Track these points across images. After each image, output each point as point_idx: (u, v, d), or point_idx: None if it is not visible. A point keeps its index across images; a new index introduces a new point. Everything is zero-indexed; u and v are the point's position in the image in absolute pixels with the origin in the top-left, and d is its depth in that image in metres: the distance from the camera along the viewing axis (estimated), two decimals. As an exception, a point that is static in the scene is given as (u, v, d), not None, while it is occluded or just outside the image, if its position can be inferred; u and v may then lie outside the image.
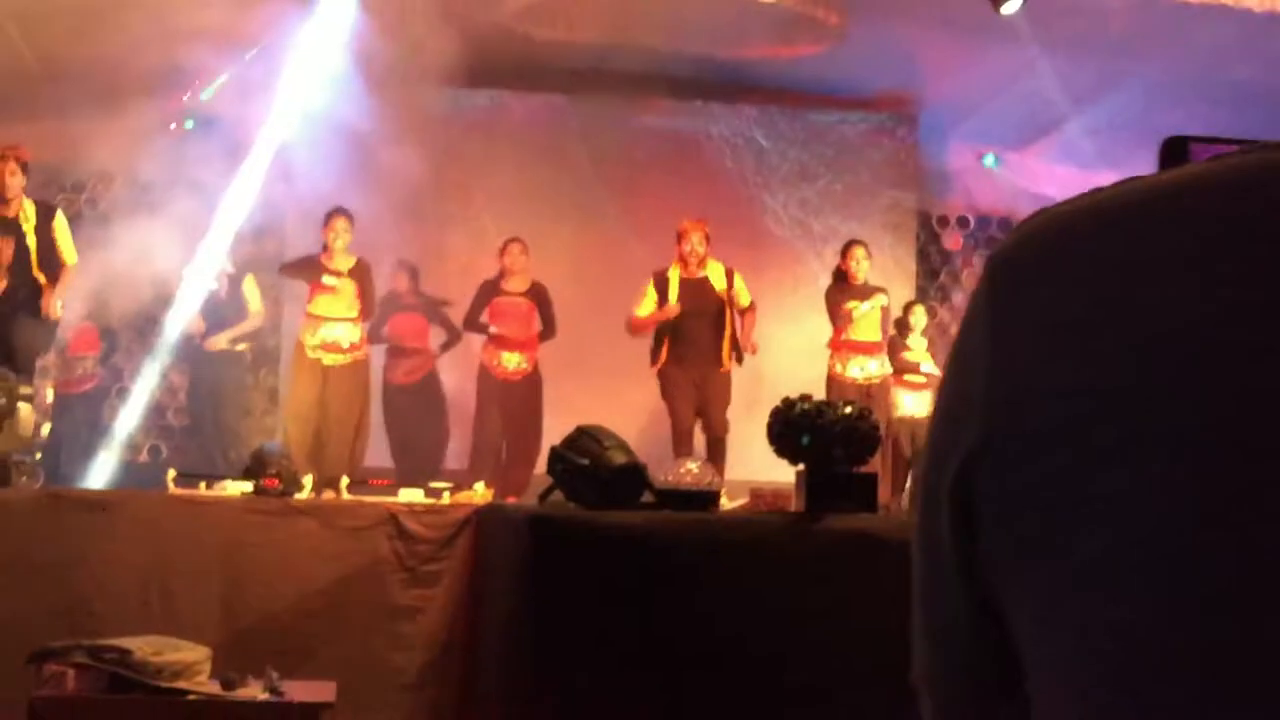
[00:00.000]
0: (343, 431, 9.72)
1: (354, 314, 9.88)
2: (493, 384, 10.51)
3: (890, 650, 4.65)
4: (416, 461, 10.38)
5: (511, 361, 10.49)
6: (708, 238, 9.89)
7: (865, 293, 10.56)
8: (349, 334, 9.85)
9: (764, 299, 10.69)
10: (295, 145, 11.21)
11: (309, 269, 9.98)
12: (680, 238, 9.90)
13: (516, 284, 10.62)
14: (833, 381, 10.44)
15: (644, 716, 5.31)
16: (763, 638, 5.40)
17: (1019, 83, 11.27)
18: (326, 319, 9.81)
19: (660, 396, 10.00)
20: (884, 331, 10.75)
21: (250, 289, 10.85)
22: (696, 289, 9.85)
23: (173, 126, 11.90)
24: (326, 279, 9.78)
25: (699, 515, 5.74)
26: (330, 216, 9.83)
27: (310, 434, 9.64)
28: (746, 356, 10.07)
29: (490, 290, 10.62)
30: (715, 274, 9.95)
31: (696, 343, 9.84)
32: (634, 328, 10.01)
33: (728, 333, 9.92)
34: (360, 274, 9.89)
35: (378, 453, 10.54)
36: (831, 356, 10.64)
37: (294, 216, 11.77)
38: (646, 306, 9.88)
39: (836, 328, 10.59)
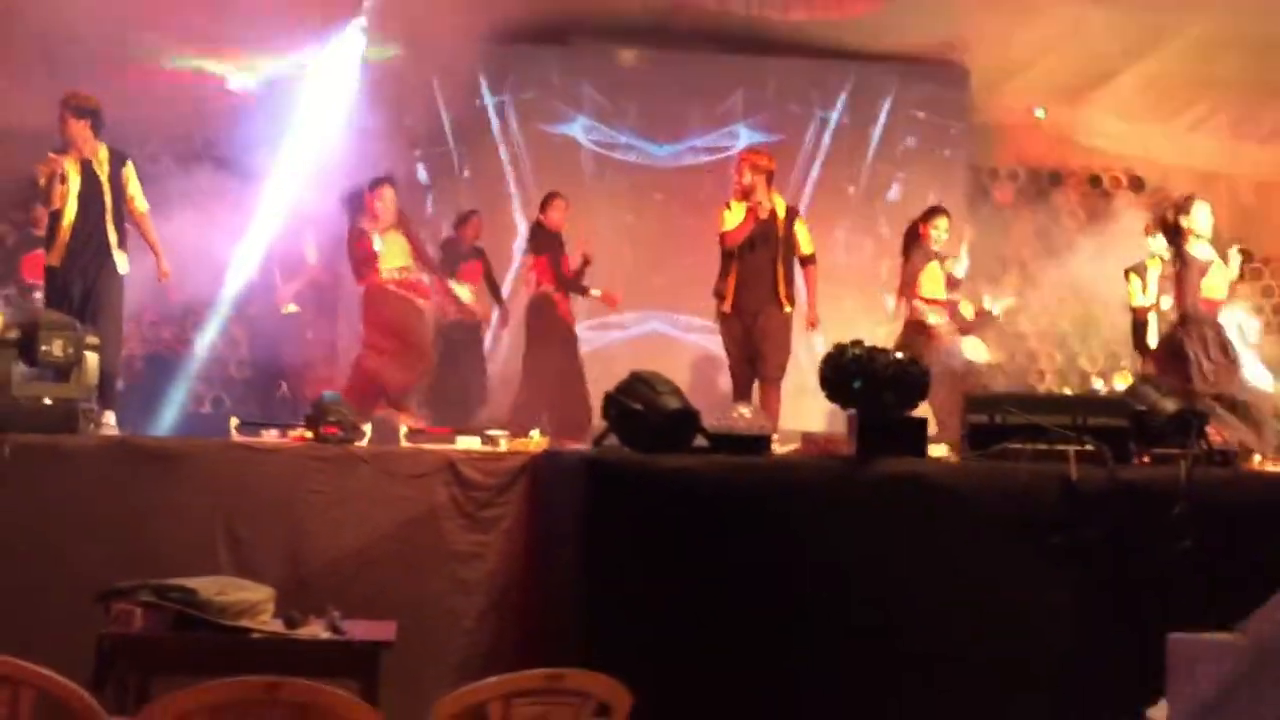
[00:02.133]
0: None
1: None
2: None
3: (941, 590, 4.78)
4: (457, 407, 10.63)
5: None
6: (769, 174, 9.84)
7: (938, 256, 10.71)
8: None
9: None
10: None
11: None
12: (737, 169, 9.91)
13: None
14: (909, 326, 10.60)
15: (702, 655, 5.42)
16: (816, 577, 5.50)
17: (1069, 36, 11.25)
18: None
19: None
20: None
21: (308, 244, 11.09)
22: (759, 228, 9.76)
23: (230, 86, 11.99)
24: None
25: (752, 459, 5.83)
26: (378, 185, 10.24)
27: None
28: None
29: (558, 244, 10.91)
30: (779, 207, 9.88)
31: (752, 282, 9.75)
32: (728, 241, 9.84)
33: (781, 274, 9.80)
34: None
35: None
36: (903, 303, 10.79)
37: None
38: (734, 219, 9.81)
39: (908, 285, 10.69)
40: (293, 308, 11.14)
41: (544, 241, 11.35)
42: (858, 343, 5.90)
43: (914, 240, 10.84)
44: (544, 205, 11.45)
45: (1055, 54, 11.96)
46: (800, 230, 9.95)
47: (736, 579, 5.47)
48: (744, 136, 13.23)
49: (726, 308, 9.80)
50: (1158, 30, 11.11)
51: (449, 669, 6.61)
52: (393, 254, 10.13)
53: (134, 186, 8.80)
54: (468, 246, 11.67)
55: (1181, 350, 8.87)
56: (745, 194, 9.73)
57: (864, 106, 13.50)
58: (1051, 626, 5.52)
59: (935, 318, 10.56)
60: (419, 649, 6.26)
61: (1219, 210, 9.71)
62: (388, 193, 10.18)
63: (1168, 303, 9.47)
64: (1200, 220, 9.10)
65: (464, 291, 11.32)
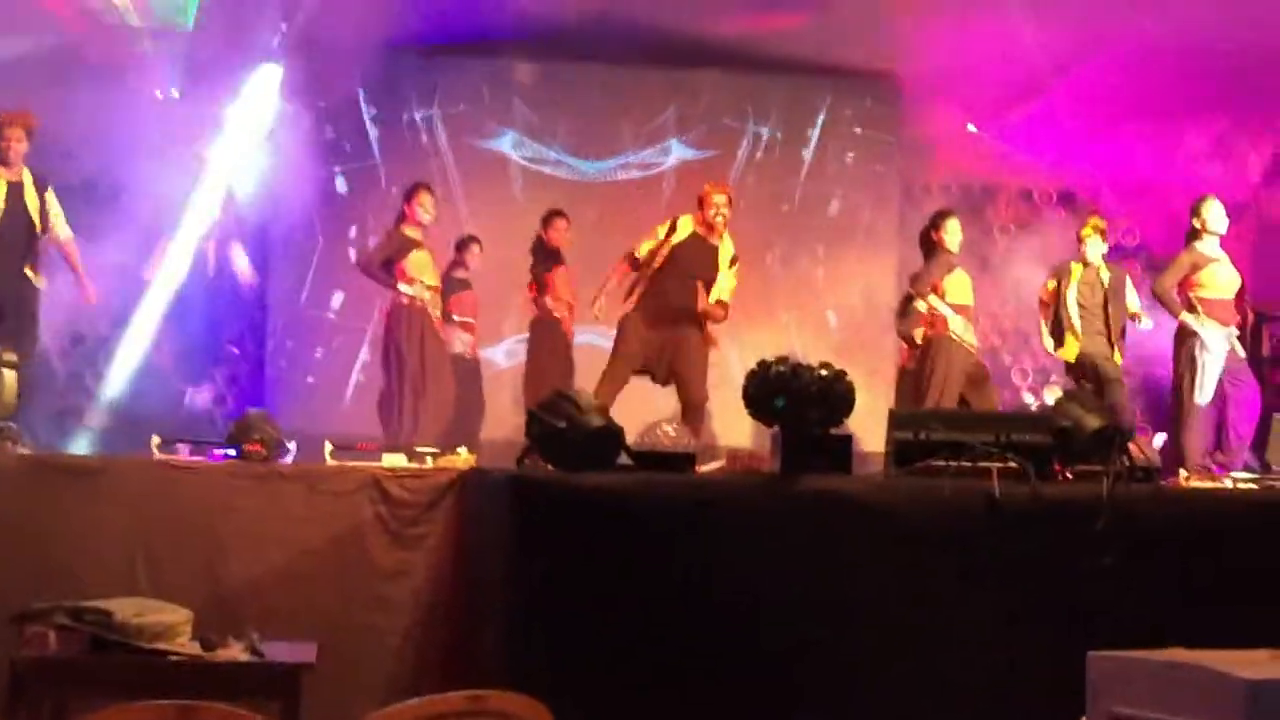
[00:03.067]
0: None
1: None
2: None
3: (866, 608, 4.76)
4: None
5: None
6: (731, 202, 9.85)
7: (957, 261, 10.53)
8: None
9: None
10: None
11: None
12: (702, 201, 9.81)
13: None
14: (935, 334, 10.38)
15: (625, 675, 5.38)
16: (739, 595, 5.47)
17: (1001, 50, 11.31)
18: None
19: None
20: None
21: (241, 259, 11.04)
22: (701, 251, 9.72)
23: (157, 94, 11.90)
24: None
25: (675, 476, 5.80)
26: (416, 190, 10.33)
27: None
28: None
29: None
30: (725, 250, 9.83)
31: (674, 303, 9.70)
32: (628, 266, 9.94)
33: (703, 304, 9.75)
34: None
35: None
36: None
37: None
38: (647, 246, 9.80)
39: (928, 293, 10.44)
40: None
41: (546, 259, 11.31)
42: (782, 359, 5.87)
43: (930, 248, 10.62)
44: (545, 223, 11.40)
45: (986, 67, 12.01)
46: (725, 279, 9.85)
47: (660, 598, 5.44)
48: (676, 152, 13.24)
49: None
50: (1088, 44, 11.17)
51: (373, 689, 6.53)
52: (427, 270, 10.14)
53: (56, 212, 8.78)
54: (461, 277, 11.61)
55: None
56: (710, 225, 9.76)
57: (798, 121, 13.55)
58: (974, 644, 5.50)
59: (957, 325, 10.39)
60: (342, 669, 6.20)
61: (1151, 224, 9.87)
62: (426, 198, 10.15)
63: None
64: (1214, 218, 9.65)
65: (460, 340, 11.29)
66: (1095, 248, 10.24)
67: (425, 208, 10.16)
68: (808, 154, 13.58)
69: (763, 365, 5.85)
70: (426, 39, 12.31)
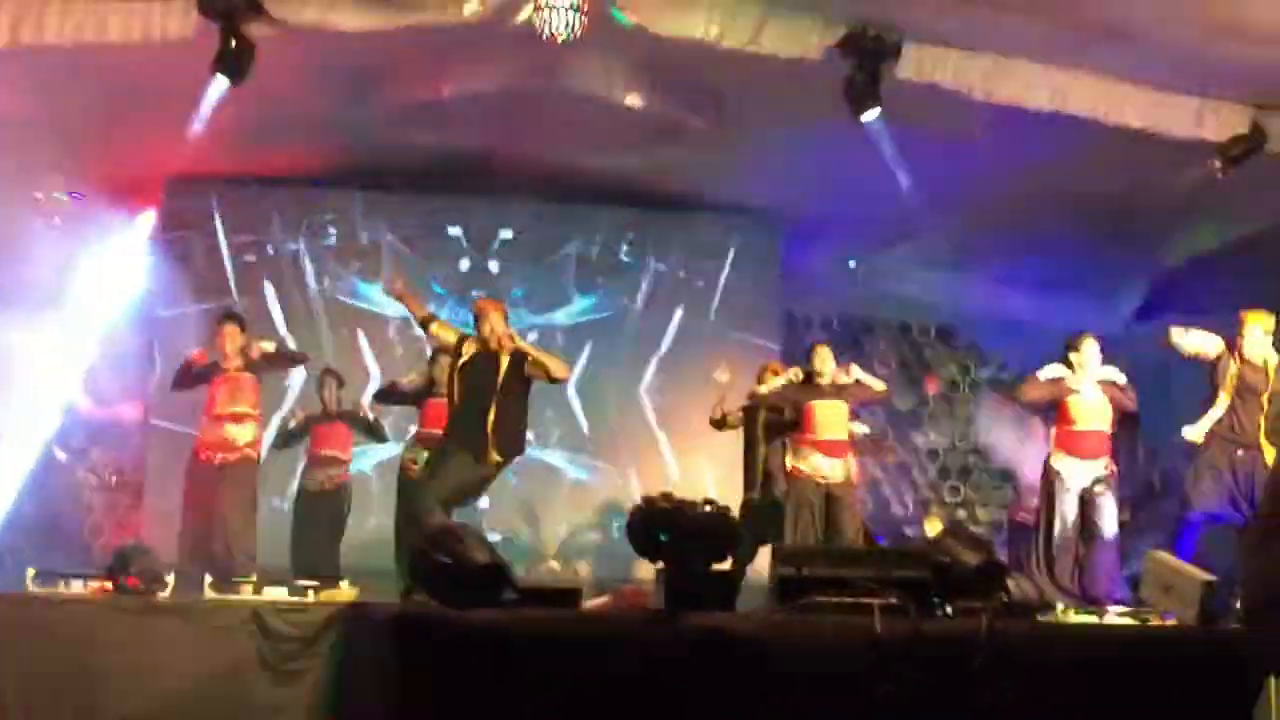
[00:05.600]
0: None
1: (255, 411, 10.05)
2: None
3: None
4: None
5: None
6: (505, 318, 9.09)
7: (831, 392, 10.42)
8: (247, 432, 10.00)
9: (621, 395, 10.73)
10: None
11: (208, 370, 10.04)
12: (479, 318, 9.05)
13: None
14: (791, 477, 10.31)
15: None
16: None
17: (880, 188, 11.55)
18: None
19: None
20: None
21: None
22: (485, 366, 8.96)
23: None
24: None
25: (560, 612, 5.81)
26: (221, 321, 10.12)
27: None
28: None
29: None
30: (505, 358, 8.96)
31: (474, 428, 8.87)
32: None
33: (494, 424, 8.82)
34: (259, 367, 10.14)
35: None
36: (795, 452, 10.39)
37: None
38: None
39: (805, 425, 10.36)
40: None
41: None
42: (667, 495, 5.93)
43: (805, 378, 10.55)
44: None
45: (868, 204, 12.24)
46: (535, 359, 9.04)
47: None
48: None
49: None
50: (966, 185, 11.43)
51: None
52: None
53: None
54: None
55: None
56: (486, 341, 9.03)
57: (678, 254, 13.72)
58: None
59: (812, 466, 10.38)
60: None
61: (1029, 359, 10.05)
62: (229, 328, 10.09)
63: None
64: (1089, 355, 9.65)
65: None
66: None
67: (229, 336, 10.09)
68: (690, 287, 13.73)
69: (647, 500, 5.91)
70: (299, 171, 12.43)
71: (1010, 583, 6.18)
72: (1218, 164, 10.18)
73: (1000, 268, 13.29)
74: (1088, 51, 9.48)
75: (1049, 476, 9.67)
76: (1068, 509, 9.49)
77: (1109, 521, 9.47)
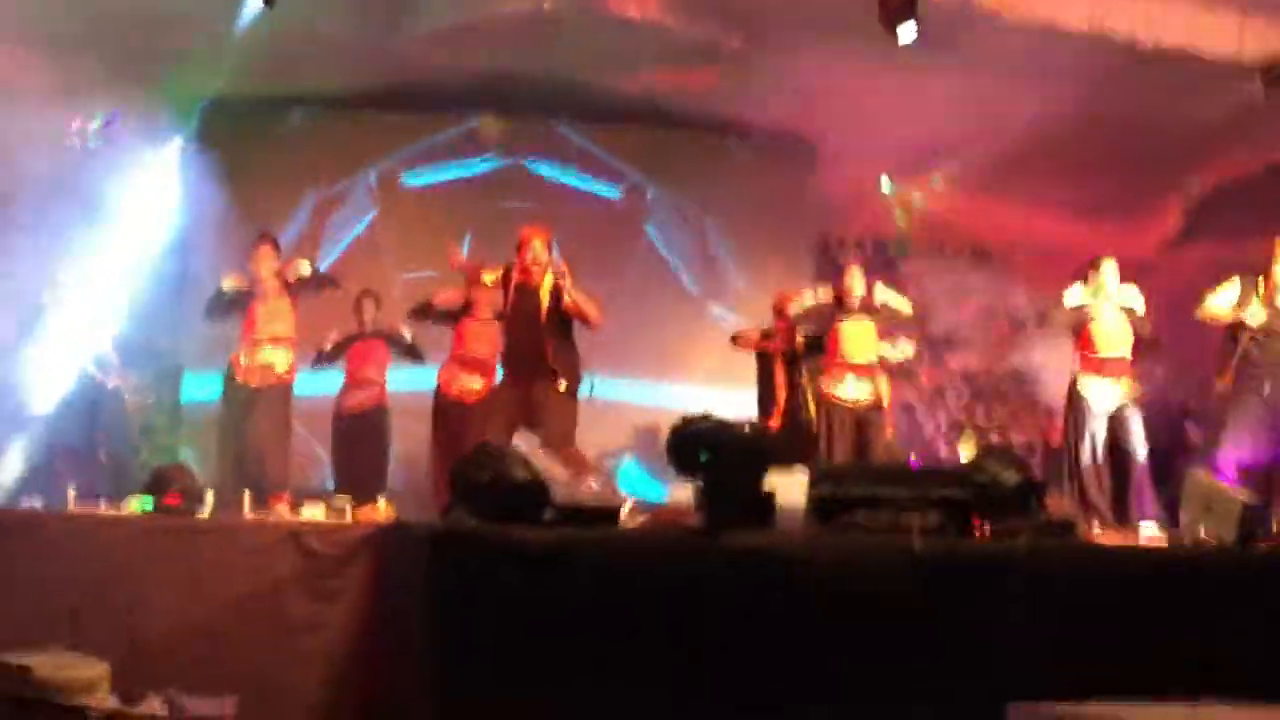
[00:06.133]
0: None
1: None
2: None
3: (789, 662, 4.79)
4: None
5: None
6: (549, 246, 9.02)
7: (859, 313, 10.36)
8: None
9: (659, 321, 10.66)
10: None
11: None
12: (521, 245, 8.98)
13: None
14: (823, 401, 10.30)
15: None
16: (662, 650, 5.49)
17: (915, 110, 11.47)
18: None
19: None
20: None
21: None
22: (529, 295, 8.92)
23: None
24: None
25: (599, 531, 5.82)
26: (256, 243, 10.03)
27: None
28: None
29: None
30: (546, 287, 8.93)
31: (524, 357, 8.90)
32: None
33: (552, 358, 8.79)
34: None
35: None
36: (827, 375, 10.37)
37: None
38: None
39: (834, 348, 10.32)
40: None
41: None
42: (706, 415, 5.92)
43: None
44: None
45: (900, 128, 12.17)
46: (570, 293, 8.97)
47: (585, 652, 5.45)
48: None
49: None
50: (998, 106, 11.34)
51: (291, 744, 6.51)
52: None
53: None
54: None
55: None
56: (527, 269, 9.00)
57: (713, 177, 13.62)
58: (896, 697, 5.55)
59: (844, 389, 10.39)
60: (261, 721, 6.16)
61: (1057, 286, 10.00)
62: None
63: None
64: (1107, 276, 9.68)
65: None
66: None
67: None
68: (722, 208, 13.65)
69: (685, 421, 5.90)
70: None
71: (1049, 501, 6.17)
72: (1261, 85, 10.07)
73: (1032, 191, 13.20)
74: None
75: (1074, 400, 9.65)
76: (1097, 430, 9.49)
77: (1138, 441, 9.46)
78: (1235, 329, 9.18)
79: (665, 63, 11.75)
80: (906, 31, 9.68)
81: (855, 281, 10.38)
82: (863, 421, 10.20)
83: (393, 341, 11.20)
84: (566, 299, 8.77)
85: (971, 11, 9.52)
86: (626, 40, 11.18)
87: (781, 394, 10.75)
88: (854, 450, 10.10)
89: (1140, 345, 9.76)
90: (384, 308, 11.36)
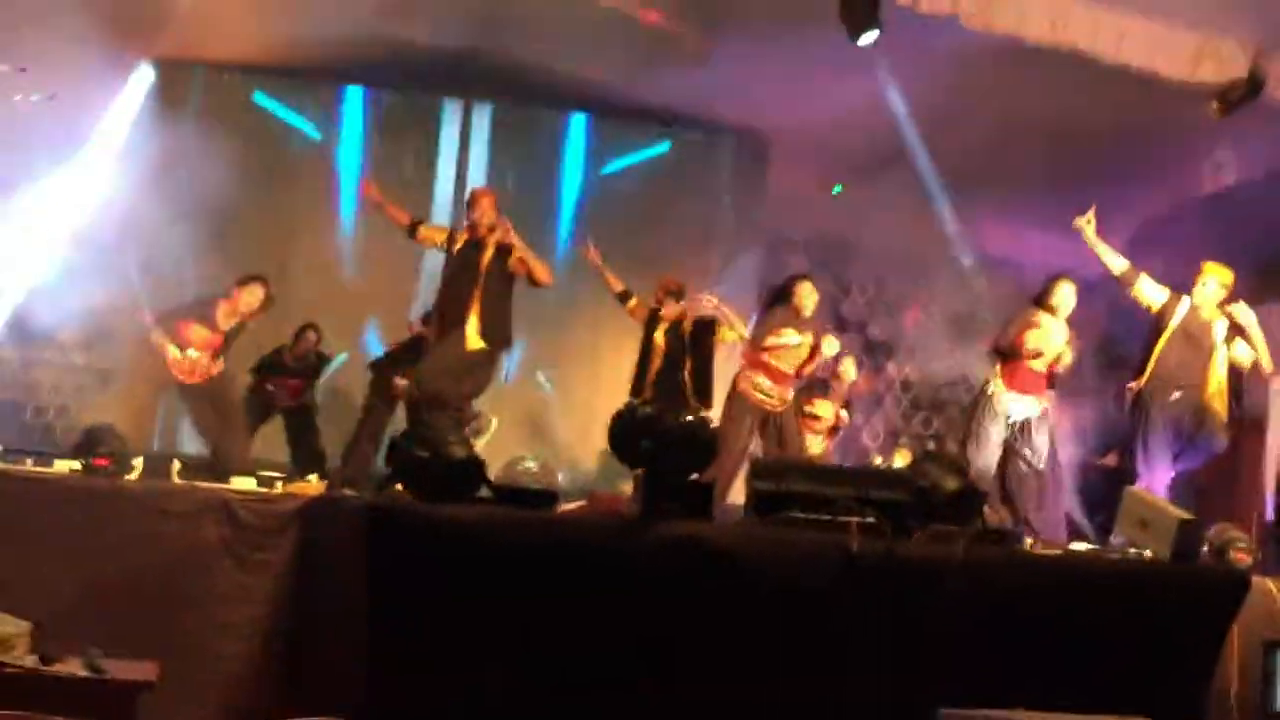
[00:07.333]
0: None
1: None
2: None
3: (718, 655, 4.76)
4: None
5: None
6: (496, 207, 8.99)
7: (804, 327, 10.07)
8: None
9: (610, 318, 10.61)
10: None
11: None
12: (470, 204, 9.08)
13: None
14: (736, 395, 9.94)
15: (474, 706, 5.34)
16: (593, 634, 5.46)
17: (869, 115, 11.46)
18: None
19: None
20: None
21: None
22: (470, 252, 8.90)
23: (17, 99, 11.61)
24: None
25: (536, 513, 5.77)
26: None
27: None
28: None
29: None
30: (491, 244, 8.89)
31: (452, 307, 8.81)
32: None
33: (476, 308, 8.72)
34: None
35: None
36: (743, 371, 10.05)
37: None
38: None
39: (758, 346, 10.00)
40: None
41: None
42: (647, 402, 5.90)
43: (779, 301, 10.26)
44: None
45: (853, 131, 12.15)
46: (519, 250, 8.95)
47: (515, 633, 5.41)
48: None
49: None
50: (950, 113, 11.36)
51: (210, 712, 6.44)
52: None
53: None
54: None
55: None
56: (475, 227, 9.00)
57: (663, 168, 13.59)
58: (825, 696, 5.53)
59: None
60: (180, 690, 6.07)
61: (1005, 298, 9.97)
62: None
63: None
64: (1063, 299, 9.54)
65: None
66: None
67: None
68: (672, 204, 13.57)
69: (628, 407, 5.87)
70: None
71: (987, 509, 6.17)
72: (1215, 107, 10.09)
73: (983, 199, 13.21)
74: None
75: (985, 404, 9.55)
76: (1005, 438, 9.42)
77: (1045, 454, 9.40)
78: (1159, 320, 9.16)
79: (628, 53, 11.69)
80: (868, 39, 9.67)
81: (808, 298, 10.19)
82: (772, 416, 9.99)
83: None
84: (515, 256, 8.73)
85: (930, 19, 9.50)
86: (590, 28, 11.11)
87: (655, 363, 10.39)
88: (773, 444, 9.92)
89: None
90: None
